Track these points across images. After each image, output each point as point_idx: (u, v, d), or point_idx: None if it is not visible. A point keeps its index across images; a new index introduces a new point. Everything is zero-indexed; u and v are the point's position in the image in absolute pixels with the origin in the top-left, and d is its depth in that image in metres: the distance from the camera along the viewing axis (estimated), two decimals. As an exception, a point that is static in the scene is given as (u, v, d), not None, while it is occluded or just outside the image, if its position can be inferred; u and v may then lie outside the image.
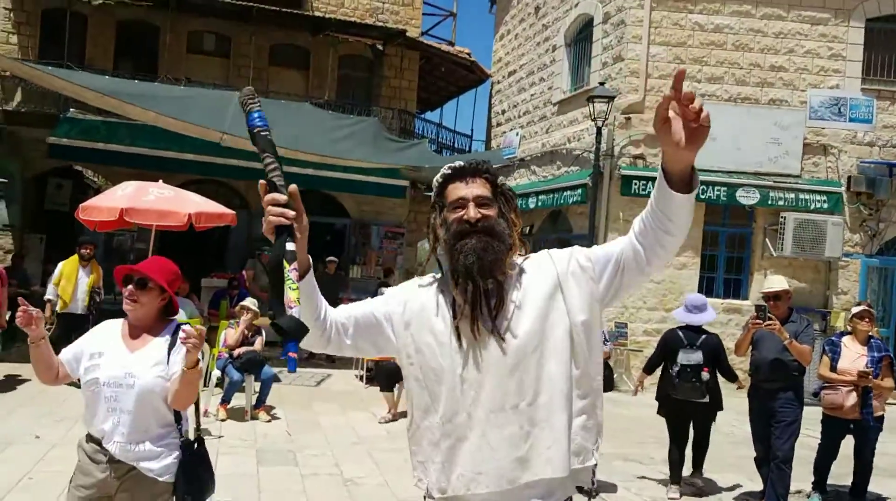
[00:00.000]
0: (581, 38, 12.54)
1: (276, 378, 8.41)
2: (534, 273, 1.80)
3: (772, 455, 5.14)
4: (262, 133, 1.60)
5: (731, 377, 5.74)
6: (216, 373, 7.20)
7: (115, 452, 2.56)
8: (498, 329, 1.72)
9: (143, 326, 2.69)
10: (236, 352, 7.14)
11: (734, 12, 10.87)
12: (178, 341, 2.58)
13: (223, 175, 12.69)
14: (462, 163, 1.84)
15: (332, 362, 10.82)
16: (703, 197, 10.56)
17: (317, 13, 15.31)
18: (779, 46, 10.91)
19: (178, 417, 2.67)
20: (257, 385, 7.22)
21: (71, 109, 11.11)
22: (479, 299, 1.71)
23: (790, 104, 10.91)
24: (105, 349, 2.64)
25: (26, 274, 11.32)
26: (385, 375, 7.58)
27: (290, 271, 1.49)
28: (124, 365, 2.59)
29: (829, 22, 10.92)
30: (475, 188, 1.79)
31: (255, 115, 1.62)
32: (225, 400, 7.06)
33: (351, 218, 15.24)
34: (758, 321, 4.95)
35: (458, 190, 1.80)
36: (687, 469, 5.80)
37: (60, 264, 8.17)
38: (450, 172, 1.83)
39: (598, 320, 1.79)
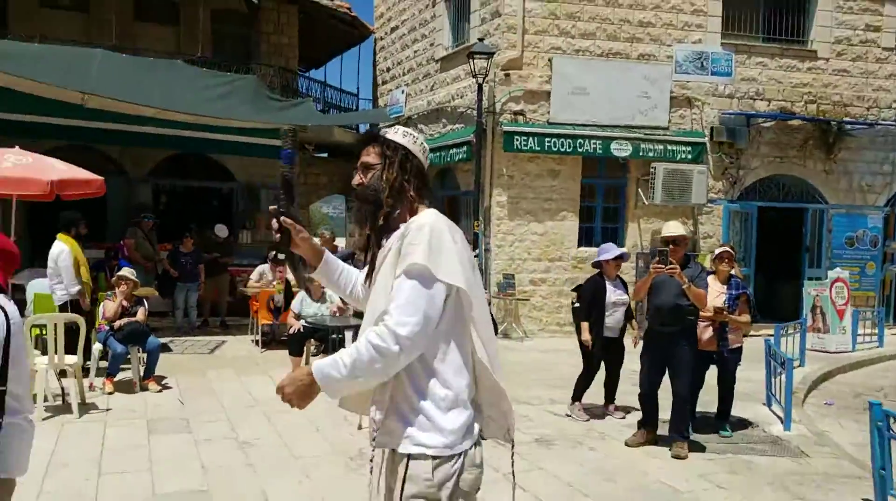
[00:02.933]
0: (461, -8, 12.58)
1: (165, 348, 8.20)
2: (396, 240, 1.98)
3: (673, 395, 5.38)
4: (283, 172, 1.93)
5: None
6: (98, 347, 6.93)
7: None
8: (369, 275, 2.09)
9: None
10: (116, 324, 6.87)
11: (606, -31, 11.22)
12: None
13: (92, 140, 11.84)
14: (367, 133, 2.19)
15: (226, 328, 10.64)
16: (580, 150, 11.04)
17: (184, -37, 14.46)
18: (646, 2, 11.38)
19: None
20: (145, 356, 7.04)
21: None
22: (367, 247, 2.09)
23: (658, 59, 11.49)
24: None
25: None
26: (297, 340, 7.57)
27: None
28: None
29: (692, -22, 11.49)
30: (364, 156, 2.05)
31: (283, 152, 1.93)
32: (111, 374, 6.82)
33: (238, 182, 14.75)
34: (660, 265, 5.07)
35: (360, 158, 2.08)
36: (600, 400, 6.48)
37: (67, 250, 6.78)
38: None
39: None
